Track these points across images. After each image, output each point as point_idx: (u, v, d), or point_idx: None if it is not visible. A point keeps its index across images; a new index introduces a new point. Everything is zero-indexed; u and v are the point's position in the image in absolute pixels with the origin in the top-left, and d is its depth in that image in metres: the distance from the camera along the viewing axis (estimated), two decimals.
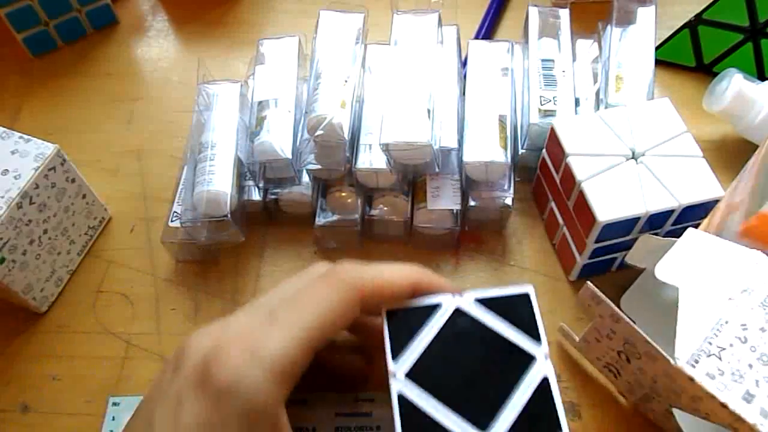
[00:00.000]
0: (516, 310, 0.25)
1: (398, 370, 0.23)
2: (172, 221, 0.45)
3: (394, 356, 0.24)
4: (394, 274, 0.25)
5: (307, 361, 0.23)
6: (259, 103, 0.46)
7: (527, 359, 0.23)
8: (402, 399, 0.23)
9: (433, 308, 0.25)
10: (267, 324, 0.23)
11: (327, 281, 0.25)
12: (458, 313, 0.25)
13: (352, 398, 0.29)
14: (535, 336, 0.24)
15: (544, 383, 0.23)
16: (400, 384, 0.23)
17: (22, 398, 0.42)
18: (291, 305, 0.24)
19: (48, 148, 0.41)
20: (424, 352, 0.24)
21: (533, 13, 0.51)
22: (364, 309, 0.25)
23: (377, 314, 0.26)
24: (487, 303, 0.25)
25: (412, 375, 0.23)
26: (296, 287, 0.25)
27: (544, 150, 0.46)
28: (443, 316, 0.25)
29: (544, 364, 0.23)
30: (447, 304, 0.25)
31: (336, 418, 0.29)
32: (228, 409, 0.22)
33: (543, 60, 0.48)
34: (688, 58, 0.55)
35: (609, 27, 0.50)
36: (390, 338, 0.24)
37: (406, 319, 0.25)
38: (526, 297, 0.25)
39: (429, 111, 0.42)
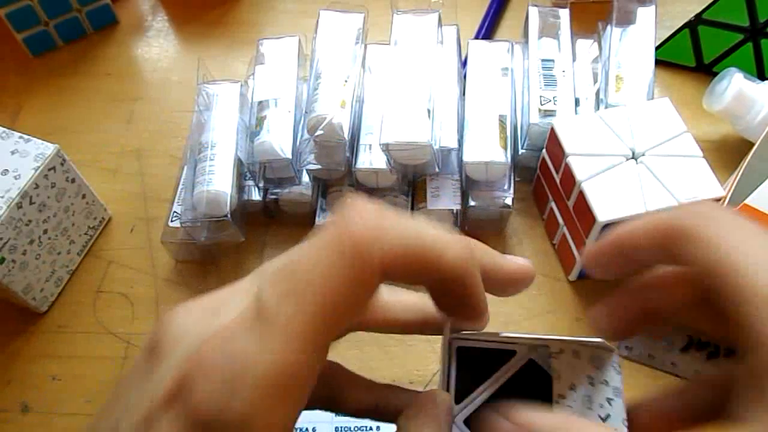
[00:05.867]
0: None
1: (457, 415, 0.23)
2: (172, 221, 0.45)
3: (457, 401, 0.23)
4: (435, 239, 0.19)
5: (314, 368, 0.18)
6: (259, 103, 0.46)
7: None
8: None
9: (507, 354, 0.24)
10: (257, 324, 0.18)
11: (330, 245, 0.18)
12: (531, 363, 0.24)
13: None
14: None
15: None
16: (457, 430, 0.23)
17: (22, 398, 0.42)
18: (285, 290, 0.18)
19: (48, 148, 0.41)
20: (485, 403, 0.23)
21: (533, 13, 0.51)
22: (392, 278, 0.19)
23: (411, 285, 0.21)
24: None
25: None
26: (291, 256, 0.19)
27: (544, 150, 0.46)
28: (514, 367, 0.24)
29: None
30: (522, 353, 0.24)
31: (335, 418, 0.28)
32: None
33: (543, 60, 0.48)
34: (688, 58, 0.55)
35: (609, 27, 0.50)
36: (456, 378, 0.23)
37: (474, 360, 0.23)
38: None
39: (429, 111, 0.42)
